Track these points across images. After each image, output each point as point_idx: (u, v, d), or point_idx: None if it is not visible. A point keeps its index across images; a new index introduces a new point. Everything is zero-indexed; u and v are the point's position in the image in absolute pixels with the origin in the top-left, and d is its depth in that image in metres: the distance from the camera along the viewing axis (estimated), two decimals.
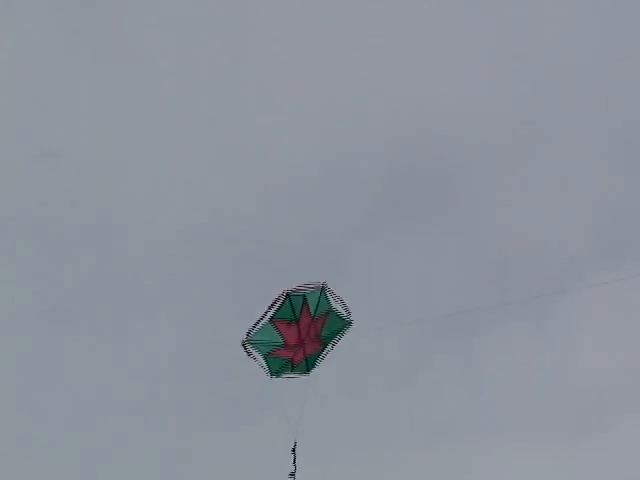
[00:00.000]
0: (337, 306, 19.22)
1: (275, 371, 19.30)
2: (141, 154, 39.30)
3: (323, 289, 19.14)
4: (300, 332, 19.25)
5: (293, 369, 19.35)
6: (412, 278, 38.74)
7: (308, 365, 19.32)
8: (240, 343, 19.17)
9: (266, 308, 19.20)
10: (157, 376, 35.78)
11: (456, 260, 39.23)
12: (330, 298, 19.15)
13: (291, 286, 19.11)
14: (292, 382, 19.57)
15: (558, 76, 41.07)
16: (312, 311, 19.19)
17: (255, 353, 19.14)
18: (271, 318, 19.12)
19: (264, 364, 19.25)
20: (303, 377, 19.33)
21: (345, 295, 19.85)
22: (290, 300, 19.05)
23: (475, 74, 40.82)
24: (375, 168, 39.60)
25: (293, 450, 18.98)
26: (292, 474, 18.97)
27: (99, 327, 37.13)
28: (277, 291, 19.39)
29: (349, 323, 19.25)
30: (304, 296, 19.13)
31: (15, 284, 37.83)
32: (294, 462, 19.08)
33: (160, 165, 39.29)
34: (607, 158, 41.23)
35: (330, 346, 19.33)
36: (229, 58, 39.64)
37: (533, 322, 38.40)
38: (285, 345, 19.23)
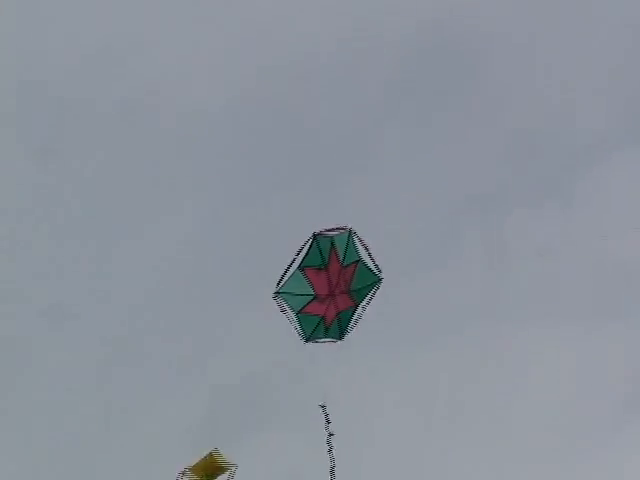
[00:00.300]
0: (366, 258, 18.74)
1: (308, 334, 18.74)
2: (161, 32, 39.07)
3: (351, 234, 18.78)
4: (330, 280, 19.00)
5: (326, 332, 18.74)
6: (438, 159, 37.99)
7: (341, 327, 18.66)
8: (272, 295, 18.77)
9: (294, 254, 18.90)
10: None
11: (480, 141, 38.93)
12: (358, 246, 18.76)
13: (318, 228, 18.78)
14: None
15: None
16: (340, 257, 18.99)
17: (287, 309, 18.65)
18: (300, 265, 18.73)
19: (297, 324, 18.78)
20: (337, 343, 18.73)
21: (368, 178, 19.43)
22: (318, 243, 18.74)
23: None
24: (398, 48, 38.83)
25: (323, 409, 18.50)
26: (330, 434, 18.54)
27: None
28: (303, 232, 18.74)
29: (379, 280, 18.64)
30: (332, 240, 18.80)
31: None
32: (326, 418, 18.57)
33: (175, 45, 39.35)
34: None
35: (361, 307, 18.70)
36: None
37: (560, 202, 38.28)
38: (316, 297, 18.90)
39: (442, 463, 29.81)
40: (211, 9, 38.69)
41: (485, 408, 31.91)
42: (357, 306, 18.53)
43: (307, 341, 18.59)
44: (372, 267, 18.56)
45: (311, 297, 18.67)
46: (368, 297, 18.50)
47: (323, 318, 18.67)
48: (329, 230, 18.77)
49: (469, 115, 38.91)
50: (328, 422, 18.41)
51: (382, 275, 18.51)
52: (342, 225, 18.79)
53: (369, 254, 18.60)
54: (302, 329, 18.66)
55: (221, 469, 19.09)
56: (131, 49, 38.48)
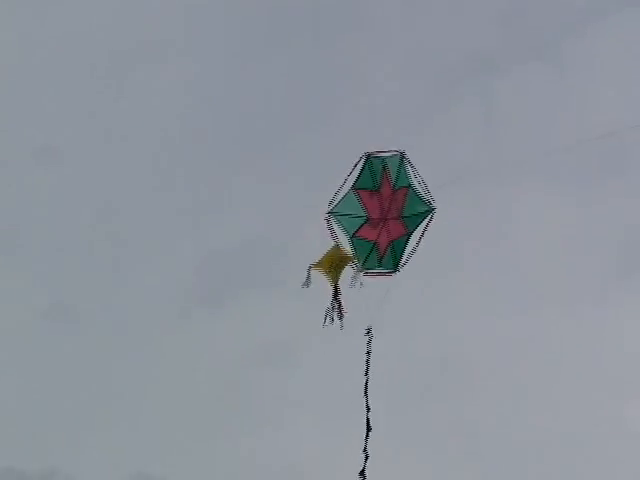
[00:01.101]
0: (417, 185, 18.78)
1: (363, 262, 18.90)
2: None
3: (403, 157, 18.73)
4: (382, 204, 19.06)
5: (381, 261, 18.91)
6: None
7: (395, 256, 18.82)
8: (324, 216, 19.05)
9: (347, 175, 18.90)
10: None
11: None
12: (410, 172, 18.87)
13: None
14: None
15: None
16: (392, 180, 19.08)
17: (339, 232, 18.85)
18: (354, 186, 18.98)
19: (350, 249, 19.02)
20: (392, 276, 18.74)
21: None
22: (371, 164, 19.03)
23: None
24: None
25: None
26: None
27: None
28: None
29: (432, 209, 18.64)
30: (384, 160, 19.03)
31: None
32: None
33: None
34: None
35: (415, 237, 18.70)
36: None
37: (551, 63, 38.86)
38: (368, 220, 19.06)
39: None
40: None
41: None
42: (410, 235, 18.54)
43: (361, 271, 18.67)
44: (424, 196, 18.57)
45: (364, 219, 18.93)
46: (422, 228, 18.48)
47: (376, 244, 18.82)
48: (380, 152, 19.08)
49: None
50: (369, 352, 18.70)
51: (434, 205, 18.50)
52: (393, 149, 19.11)
53: (422, 182, 18.58)
54: (357, 256, 18.79)
55: (346, 259, 19.20)
56: None
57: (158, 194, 39.09)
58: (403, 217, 18.85)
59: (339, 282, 19.33)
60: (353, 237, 19.03)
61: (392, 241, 18.87)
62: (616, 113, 34.61)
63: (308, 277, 19.12)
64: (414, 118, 36.57)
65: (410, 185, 18.81)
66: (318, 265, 19.46)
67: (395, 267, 18.76)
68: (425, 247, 18.52)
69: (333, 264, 19.36)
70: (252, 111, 38.83)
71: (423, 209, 18.68)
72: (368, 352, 18.72)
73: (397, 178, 18.87)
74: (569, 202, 37.13)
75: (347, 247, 19.03)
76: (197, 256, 38.33)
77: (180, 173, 39.54)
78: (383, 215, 19.00)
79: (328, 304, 19.08)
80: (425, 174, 19.17)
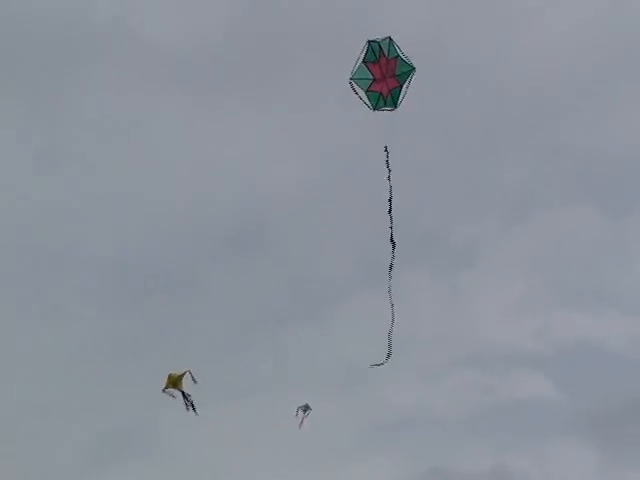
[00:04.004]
0: (402, 55, 31.35)
1: (374, 104, 31.66)
2: None
3: (391, 39, 31.28)
4: (381, 68, 31.56)
5: (385, 102, 31.63)
6: None
7: (394, 99, 31.58)
8: (347, 82, 31.50)
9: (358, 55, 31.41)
10: None
11: None
12: (397, 48, 31.30)
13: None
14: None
15: None
16: (386, 53, 31.47)
17: (359, 90, 31.49)
18: (363, 61, 31.44)
19: (366, 99, 31.65)
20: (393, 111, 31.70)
21: None
22: (371, 46, 31.42)
23: None
24: None
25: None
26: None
27: None
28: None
29: (413, 68, 31.35)
30: (379, 43, 31.46)
31: None
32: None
33: None
34: None
35: (405, 85, 31.41)
36: None
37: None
38: (374, 79, 31.59)
39: None
40: None
41: None
42: (402, 86, 31.40)
43: (375, 109, 31.60)
44: (407, 60, 31.28)
45: (372, 80, 31.65)
46: (408, 80, 31.34)
47: (381, 93, 31.39)
48: (376, 38, 31.68)
49: None
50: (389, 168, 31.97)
51: (414, 65, 31.49)
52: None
53: (403, 53, 31.53)
54: (370, 102, 31.49)
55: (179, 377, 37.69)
56: None
57: None
58: (396, 75, 31.63)
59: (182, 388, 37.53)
60: (367, 92, 31.67)
61: (391, 90, 31.73)
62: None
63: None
64: None
65: (398, 55, 31.39)
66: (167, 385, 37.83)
67: (395, 105, 31.76)
68: None
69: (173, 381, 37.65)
70: None
71: (408, 69, 31.46)
72: None
73: (389, 51, 31.42)
74: None
75: (364, 99, 32.01)
76: None
77: None
78: (383, 76, 31.66)
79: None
80: None
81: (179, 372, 37.21)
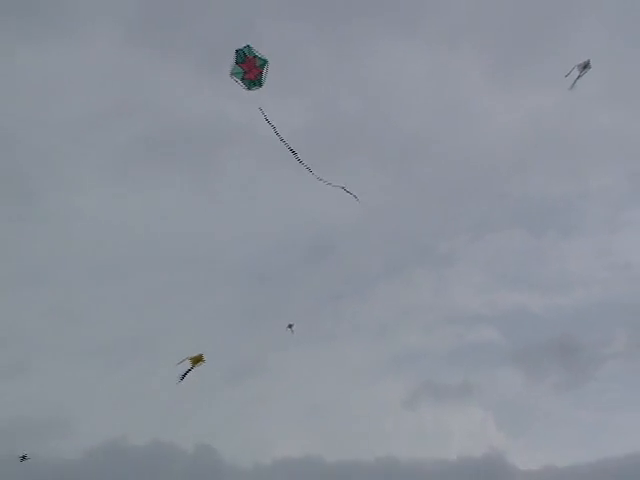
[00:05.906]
0: (258, 54, 51.36)
1: (248, 87, 51.70)
2: None
3: (249, 46, 51.42)
4: (248, 64, 51.49)
5: (254, 84, 51.75)
6: None
7: (260, 81, 51.56)
8: (229, 76, 51.44)
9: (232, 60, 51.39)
10: None
11: None
12: (254, 50, 51.33)
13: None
14: None
15: None
16: (248, 54, 51.41)
17: (238, 79, 51.36)
18: (235, 62, 51.56)
19: (242, 84, 51.55)
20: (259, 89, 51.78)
21: None
22: (237, 52, 51.55)
23: None
24: None
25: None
26: None
27: None
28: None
29: (266, 60, 51.33)
30: (242, 50, 51.54)
31: None
32: None
33: None
34: None
35: (264, 72, 51.50)
36: None
37: None
38: (245, 72, 51.56)
39: None
40: None
41: None
42: (262, 74, 51.37)
43: (249, 90, 51.89)
44: (263, 57, 51.08)
45: (243, 72, 51.47)
46: (265, 69, 51.36)
47: (251, 80, 51.56)
48: (241, 47, 51.55)
49: None
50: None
51: (266, 59, 51.32)
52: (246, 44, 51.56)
53: (258, 53, 51.29)
54: (245, 84, 51.39)
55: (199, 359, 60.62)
56: None
57: None
58: (257, 66, 51.58)
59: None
60: (242, 79, 51.75)
61: (257, 76, 51.69)
62: None
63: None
64: None
65: (255, 55, 51.43)
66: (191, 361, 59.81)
67: (260, 85, 51.78)
68: None
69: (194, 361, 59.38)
70: None
71: (263, 62, 51.61)
72: None
73: (249, 53, 51.38)
74: None
75: (241, 84, 52.04)
76: None
77: None
78: (249, 68, 51.60)
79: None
80: None
81: (196, 356, 58.91)
